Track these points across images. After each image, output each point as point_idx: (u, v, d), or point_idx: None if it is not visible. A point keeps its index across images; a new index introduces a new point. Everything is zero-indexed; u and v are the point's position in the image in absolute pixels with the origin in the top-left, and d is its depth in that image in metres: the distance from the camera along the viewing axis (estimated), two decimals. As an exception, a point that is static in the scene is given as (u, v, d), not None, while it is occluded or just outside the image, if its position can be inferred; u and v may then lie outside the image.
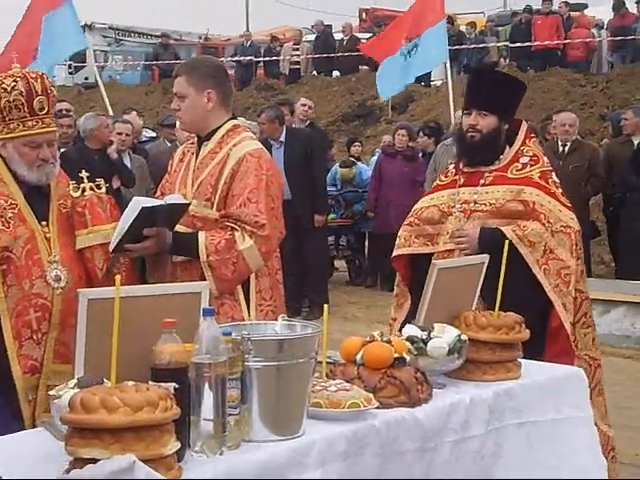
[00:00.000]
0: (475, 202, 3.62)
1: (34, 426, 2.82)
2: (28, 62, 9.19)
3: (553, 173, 3.68)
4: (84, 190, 3.08)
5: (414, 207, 3.88)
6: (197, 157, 3.37)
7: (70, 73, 24.02)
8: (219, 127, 3.34)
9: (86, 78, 22.71)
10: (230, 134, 3.33)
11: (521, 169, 3.63)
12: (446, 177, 3.81)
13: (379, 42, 11.25)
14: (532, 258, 3.45)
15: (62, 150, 7.29)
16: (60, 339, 2.96)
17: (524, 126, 3.76)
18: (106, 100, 9.93)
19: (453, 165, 3.85)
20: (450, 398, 2.61)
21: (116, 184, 7.37)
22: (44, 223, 3.01)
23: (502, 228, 3.49)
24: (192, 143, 3.47)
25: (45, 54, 9.87)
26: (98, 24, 26.03)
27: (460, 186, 3.69)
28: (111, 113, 9.33)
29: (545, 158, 3.71)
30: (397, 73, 10.30)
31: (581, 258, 3.60)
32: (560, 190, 3.62)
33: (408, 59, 10.15)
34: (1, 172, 2.99)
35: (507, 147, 3.70)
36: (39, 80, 2.95)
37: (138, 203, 3.12)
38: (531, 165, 3.64)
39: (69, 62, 23.11)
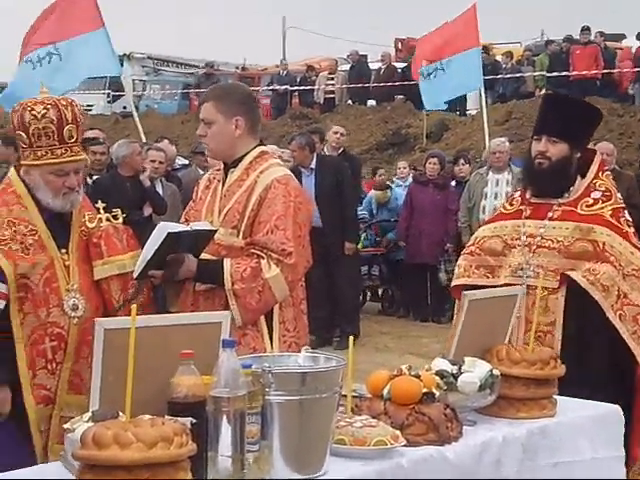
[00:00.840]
0: (541, 237, 3.45)
1: (47, 457, 2.77)
2: None
3: (626, 211, 3.49)
4: (100, 221, 3.04)
5: (475, 234, 3.75)
6: (224, 184, 3.31)
7: (108, 102, 24.36)
8: (246, 154, 3.28)
9: (124, 107, 22.97)
10: (258, 160, 3.27)
11: (592, 205, 3.44)
12: (511, 206, 3.64)
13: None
14: (607, 303, 3.26)
15: (95, 177, 7.35)
16: (74, 369, 2.91)
17: (598, 157, 3.56)
18: (140, 128, 9.97)
19: (519, 193, 3.68)
20: (482, 436, 2.51)
21: (148, 211, 7.37)
22: (63, 250, 2.97)
23: (572, 274, 3.32)
24: (218, 170, 3.41)
25: (61, 79, 9.70)
26: (137, 54, 26.39)
27: (526, 217, 3.53)
28: (144, 141, 9.36)
29: (618, 194, 3.52)
30: (430, 90, 10.66)
31: None
32: (632, 230, 3.42)
33: (432, 79, 10.37)
34: (23, 198, 2.96)
35: (578, 178, 3.51)
36: (69, 108, 2.92)
37: (164, 228, 3.07)
38: (603, 201, 3.44)
39: (107, 91, 23.47)
